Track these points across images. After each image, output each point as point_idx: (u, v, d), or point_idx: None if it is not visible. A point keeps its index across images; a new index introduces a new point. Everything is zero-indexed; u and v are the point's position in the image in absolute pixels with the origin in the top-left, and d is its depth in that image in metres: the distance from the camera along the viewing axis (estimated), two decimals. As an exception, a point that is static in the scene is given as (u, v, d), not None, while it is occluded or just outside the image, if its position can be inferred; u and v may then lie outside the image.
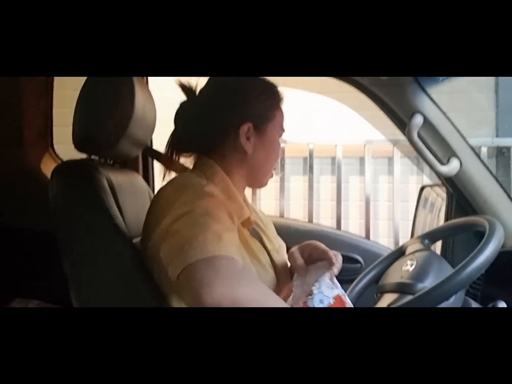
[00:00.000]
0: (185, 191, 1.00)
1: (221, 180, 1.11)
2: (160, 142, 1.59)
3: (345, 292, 1.02)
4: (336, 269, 1.05)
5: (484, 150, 3.56)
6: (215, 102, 1.14)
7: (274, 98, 1.17)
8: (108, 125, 1.18)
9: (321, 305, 0.90)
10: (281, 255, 1.24)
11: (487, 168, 1.44)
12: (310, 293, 0.93)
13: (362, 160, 3.72)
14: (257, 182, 1.19)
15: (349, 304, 0.93)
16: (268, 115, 1.15)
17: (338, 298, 0.91)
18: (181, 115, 1.16)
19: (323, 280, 0.94)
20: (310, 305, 0.91)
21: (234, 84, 1.14)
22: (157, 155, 1.52)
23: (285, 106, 1.19)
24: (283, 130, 1.19)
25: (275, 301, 0.88)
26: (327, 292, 0.91)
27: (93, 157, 1.28)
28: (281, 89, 1.19)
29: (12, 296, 1.64)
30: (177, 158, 1.18)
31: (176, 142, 1.16)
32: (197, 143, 1.15)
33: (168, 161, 1.18)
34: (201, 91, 1.16)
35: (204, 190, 1.01)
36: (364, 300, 1.16)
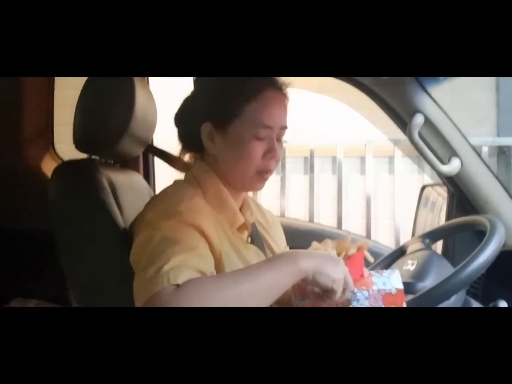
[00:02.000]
0: (157, 208, 0.99)
1: (213, 184, 1.06)
2: (161, 142, 1.59)
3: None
4: None
5: (485, 149, 3.56)
6: (188, 103, 1.12)
7: (240, 93, 1.04)
8: (109, 125, 1.18)
9: (382, 287, 0.91)
10: None
11: (488, 167, 1.44)
12: (379, 272, 0.94)
13: (363, 159, 3.72)
14: (237, 184, 1.08)
15: (404, 304, 0.92)
16: (231, 112, 1.04)
17: (400, 292, 0.91)
18: (174, 116, 1.15)
19: (395, 272, 0.94)
20: (374, 279, 0.92)
21: (201, 83, 1.12)
22: (160, 153, 1.51)
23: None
24: (267, 127, 1.04)
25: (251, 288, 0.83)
26: (394, 281, 0.91)
27: (93, 157, 1.28)
28: (262, 80, 1.04)
29: (11, 295, 1.64)
30: (181, 157, 1.17)
31: (180, 142, 1.16)
32: (186, 144, 1.13)
33: (171, 159, 1.17)
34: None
35: (175, 209, 0.96)
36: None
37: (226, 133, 1.05)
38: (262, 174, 1.06)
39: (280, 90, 1.07)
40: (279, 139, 1.08)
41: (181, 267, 0.84)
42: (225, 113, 1.05)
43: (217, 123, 1.05)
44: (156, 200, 1.05)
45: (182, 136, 1.13)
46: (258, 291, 0.84)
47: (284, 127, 1.08)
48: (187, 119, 1.11)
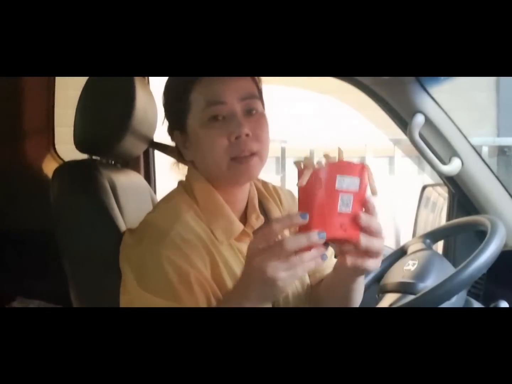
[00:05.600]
0: (144, 240, 0.95)
1: (203, 192, 0.98)
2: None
3: None
4: None
5: (485, 149, 3.56)
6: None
7: (183, 85, 0.96)
8: (109, 126, 1.18)
9: None
10: None
11: (489, 167, 1.44)
12: None
13: (363, 160, 3.72)
14: (218, 180, 0.97)
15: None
16: (183, 108, 0.96)
17: None
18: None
19: None
20: None
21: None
22: (164, 148, 1.50)
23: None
24: (218, 102, 0.93)
25: None
26: None
27: (94, 157, 1.28)
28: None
29: (13, 296, 1.64)
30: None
31: None
32: (179, 159, 1.08)
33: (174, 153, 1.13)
34: None
35: (152, 244, 0.93)
36: (366, 300, 1.16)
37: (188, 131, 0.98)
38: (240, 160, 0.94)
39: None
40: (249, 112, 0.96)
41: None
42: (179, 112, 0.98)
43: (179, 127, 0.99)
44: (148, 217, 1.01)
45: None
46: None
47: (247, 97, 0.96)
48: (170, 136, 1.07)
